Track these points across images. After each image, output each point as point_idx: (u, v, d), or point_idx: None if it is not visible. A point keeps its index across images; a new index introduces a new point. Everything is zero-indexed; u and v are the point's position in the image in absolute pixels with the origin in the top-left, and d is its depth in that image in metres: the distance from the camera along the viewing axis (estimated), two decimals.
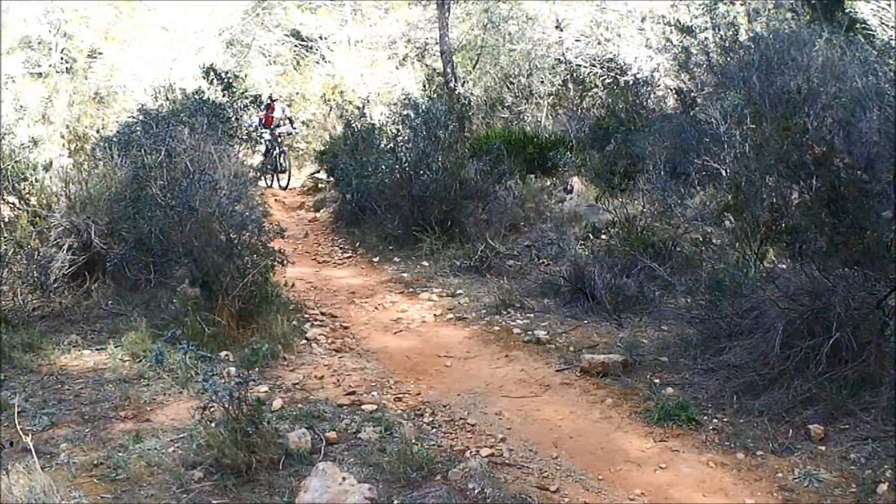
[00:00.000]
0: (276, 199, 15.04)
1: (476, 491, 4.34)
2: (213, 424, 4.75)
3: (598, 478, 4.76)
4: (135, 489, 4.43)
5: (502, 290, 8.09)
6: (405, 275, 9.27)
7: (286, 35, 22.61)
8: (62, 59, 17.71)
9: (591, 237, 9.14)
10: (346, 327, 7.61)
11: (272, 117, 16.49)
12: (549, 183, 11.80)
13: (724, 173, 8.27)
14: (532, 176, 11.91)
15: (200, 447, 4.68)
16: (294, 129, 17.88)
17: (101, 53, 17.46)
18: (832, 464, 4.70)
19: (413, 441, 4.87)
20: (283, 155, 16.57)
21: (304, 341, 7.02)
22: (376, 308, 8.22)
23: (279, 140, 16.55)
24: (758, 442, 5.01)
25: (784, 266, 6.31)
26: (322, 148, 15.93)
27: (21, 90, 15.96)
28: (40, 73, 17.34)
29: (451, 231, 9.96)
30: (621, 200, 9.03)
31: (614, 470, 4.86)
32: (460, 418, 5.57)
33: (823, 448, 4.86)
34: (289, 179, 16.59)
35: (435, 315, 7.86)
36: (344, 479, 4.22)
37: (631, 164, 10.08)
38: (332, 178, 13.56)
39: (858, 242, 5.01)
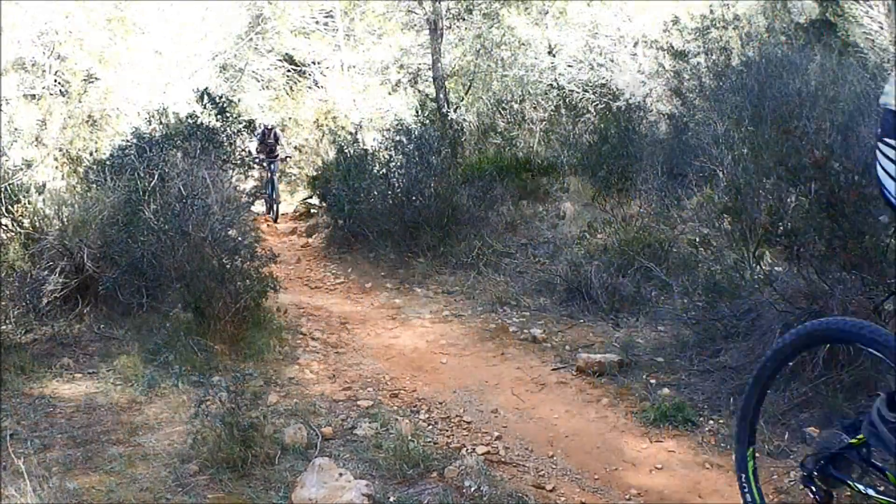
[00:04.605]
0: (268, 225, 15.05)
1: (472, 489, 4.36)
2: (208, 418, 4.75)
3: (593, 477, 4.79)
4: (130, 482, 4.42)
5: (498, 288, 8.09)
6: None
7: (279, 60, 22.66)
8: (56, 81, 17.70)
9: (588, 237, 9.13)
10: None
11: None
12: (541, 209, 11.85)
13: (721, 175, 8.31)
14: (524, 202, 11.95)
15: (196, 441, 4.67)
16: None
17: (97, 78, 17.45)
18: None
19: (409, 438, 4.91)
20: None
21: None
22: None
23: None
24: None
25: (781, 269, 6.33)
26: (314, 173, 15.91)
27: (15, 112, 15.93)
28: (34, 96, 17.32)
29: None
30: (616, 202, 9.01)
31: (610, 470, 4.89)
32: (456, 415, 5.60)
33: None
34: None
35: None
36: (340, 475, 4.24)
37: (624, 184, 10.10)
38: (324, 204, 13.55)
39: (856, 247, 5.04)
